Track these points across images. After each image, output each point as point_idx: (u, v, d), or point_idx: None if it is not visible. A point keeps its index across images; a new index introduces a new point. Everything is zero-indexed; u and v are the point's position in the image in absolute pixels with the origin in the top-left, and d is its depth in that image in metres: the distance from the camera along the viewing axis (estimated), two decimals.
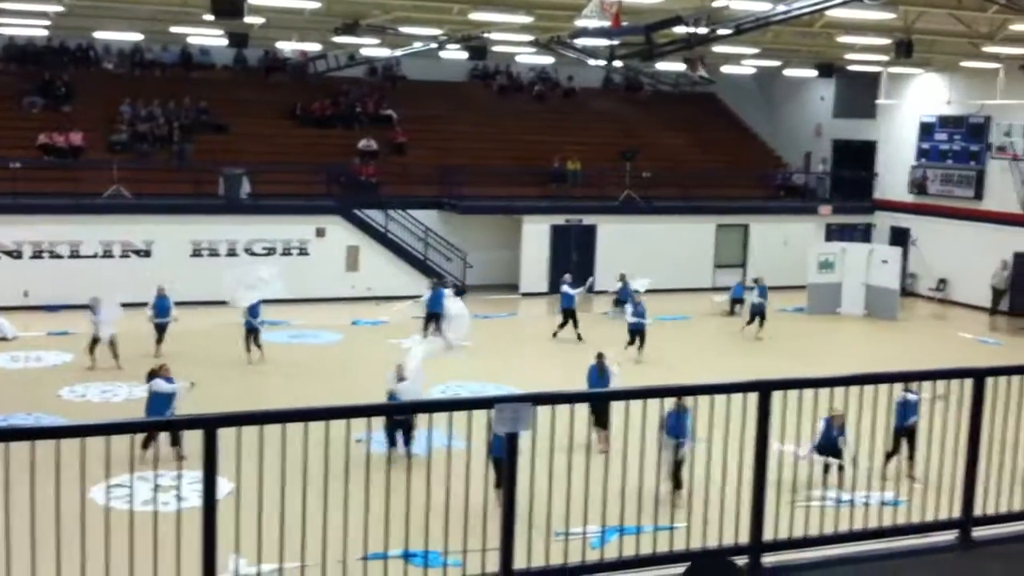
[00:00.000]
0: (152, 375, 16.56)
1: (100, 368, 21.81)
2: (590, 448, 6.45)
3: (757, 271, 34.62)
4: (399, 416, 14.22)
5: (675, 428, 12.53)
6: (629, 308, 23.95)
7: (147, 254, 29.31)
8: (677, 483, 13.06)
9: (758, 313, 26.94)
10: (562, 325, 25.81)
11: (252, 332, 22.95)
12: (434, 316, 25.27)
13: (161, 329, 23.10)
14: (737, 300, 30.42)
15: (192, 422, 5.60)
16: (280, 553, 5.94)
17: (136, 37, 31.57)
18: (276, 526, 5.91)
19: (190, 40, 32.06)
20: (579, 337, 25.03)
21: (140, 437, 12.66)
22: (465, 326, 23.79)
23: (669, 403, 11.35)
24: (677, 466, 13.11)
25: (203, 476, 5.43)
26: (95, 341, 22.05)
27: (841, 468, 14.54)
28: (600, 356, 17.98)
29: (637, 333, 23.54)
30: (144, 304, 23.61)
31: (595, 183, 34.22)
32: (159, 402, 16.14)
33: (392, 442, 14.50)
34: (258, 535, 5.91)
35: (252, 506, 5.86)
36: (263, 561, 6.19)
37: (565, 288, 26.22)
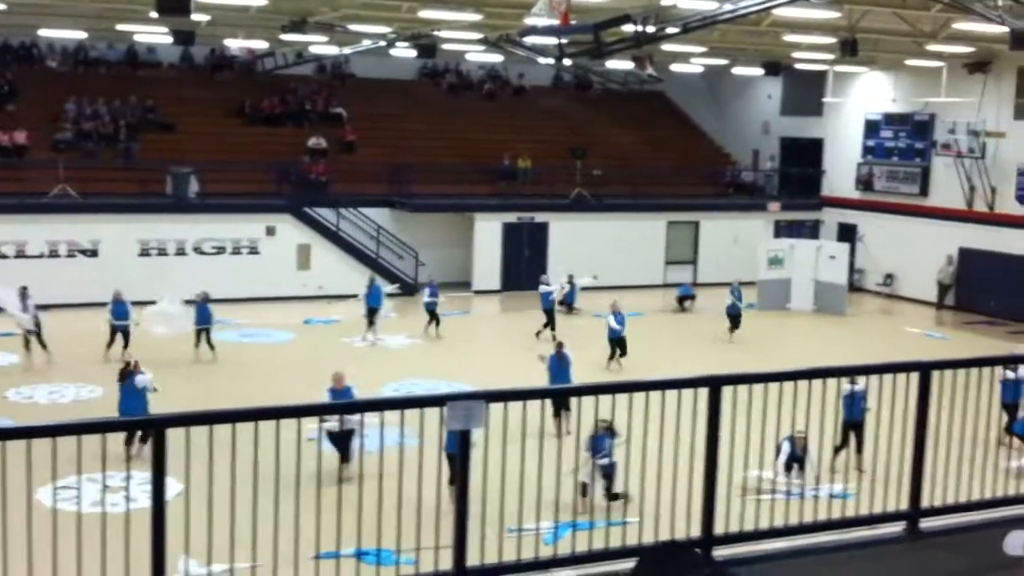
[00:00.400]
0: (127, 374, 16.27)
1: (42, 368, 21.51)
2: (543, 446, 6.46)
3: (708, 268, 35.03)
4: (334, 429, 13.03)
5: (597, 447, 12.59)
6: (612, 318, 23.01)
7: (94, 254, 28.95)
8: (613, 496, 12.90)
9: (734, 316, 26.82)
10: (546, 324, 25.81)
11: (203, 332, 22.76)
12: (372, 311, 25.64)
13: (123, 332, 22.61)
14: (685, 297, 30.58)
15: (140, 422, 5.54)
16: (231, 553, 5.89)
17: (80, 35, 31.20)
18: (226, 526, 5.87)
19: (136, 38, 31.71)
20: (553, 337, 25.00)
21: (94, 438, 12.50)
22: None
23: (625, 405, 11.42)
24: (608, 480, 13.09)
25: (152, 477, 5.38)
26: (25, 338, 21.81)
27: (802, 468, 14.54)
28: (560, 345, 18.42)
29: (617, 343, 22.96)
30: (94, 304, 23.31)
31: (546, 181, 34.29)
32: (137, 398, 15.85)
33: (343, 454, 13.39)
34: (208, 535, 5.86)
35: (202, 506, 5.81)
36: (213, 561, 6.14)
37: (543, 288, 26.31)
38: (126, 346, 22.22)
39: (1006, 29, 20.02)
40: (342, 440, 13.42)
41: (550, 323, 25.77)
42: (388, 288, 27.15)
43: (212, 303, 23.38)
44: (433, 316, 26.12)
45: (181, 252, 29.76)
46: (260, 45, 32.26)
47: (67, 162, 29.79)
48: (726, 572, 2.96)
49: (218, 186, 31.05)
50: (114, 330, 22.65)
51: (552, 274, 30.31)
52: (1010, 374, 16.38)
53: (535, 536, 6.69)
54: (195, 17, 22.41)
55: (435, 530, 6.19)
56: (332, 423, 12.55)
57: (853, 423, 15.76)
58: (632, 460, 6.41)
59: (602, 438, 12.15)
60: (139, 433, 13.72)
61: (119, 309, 22.87)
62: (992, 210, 31.13)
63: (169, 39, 27.93)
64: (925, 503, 7.09)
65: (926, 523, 7.09)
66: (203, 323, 22.82)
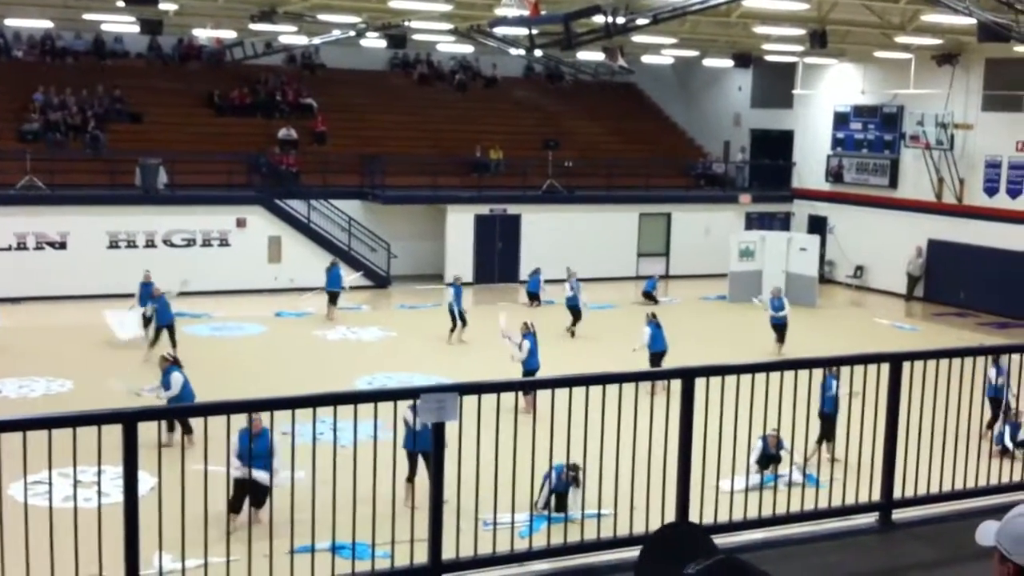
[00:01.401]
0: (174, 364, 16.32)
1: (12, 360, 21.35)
2: (517, 440, 6.45)
3: (680, 260, 35.12)
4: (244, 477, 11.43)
5: (557, 484, 12.62)
6: (568, 285, 25.40)
7: (63, 246, 28.69)
8: (564, 507, 12.85)
9: (779, 328, 24.50)
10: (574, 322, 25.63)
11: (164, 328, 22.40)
12: (333, 295, 26.39)
13: (169, 330, 22.08)
14: (648, 294, 30.32)
15: (110, 416, 5.50)
16: (205, 548, 5.86)
17: (47, 24, 30.87)
18: (200, 520, 5.83)
19: (104, 27, 31.42)
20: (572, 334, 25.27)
21: (66, 432, 12.40)
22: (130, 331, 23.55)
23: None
24: (559, 499, 13.08)
25: (124, 471, 5.34)
26: None
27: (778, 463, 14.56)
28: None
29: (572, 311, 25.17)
30: (63, 297, 23.13)
31: (518, 172, 34.27)
32: (188, 389, 15.86)
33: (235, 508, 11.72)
34: (182, 530, 5.83)
35: (176, 501, 5.77)
36: (188, 556, 6.10)
37: (570, 288, 26.07)
38: (173, 344, 21.78)
39: (974, 21, 20.15)
40: (253, 488, 11.65)
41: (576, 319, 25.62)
42: (352, 276, 27.71)
43: (183, 296, 23.22)
44: (460, 319, 24.54)
45: (151, 244, 29.55)
46: (229, 35, 32.02)
47: (34, 153, 29.50)
48: (736, 558, 2.95)
49: (188, 177, 30.83)
50: (159, 327, 22.10)
51: (529, 266, 30.34)
52: (992, 372, 16.16)
53: (510, 529, 6.70)
54: (163, 6, 22.28)
55: (410, 523, 6.17)
56: (240, 471, 11.20)
57: (824, 414, 15.77)
58: (607, 452, 6.41)
59: (559, 470, 12.14)
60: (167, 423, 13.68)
61: (158, 302, 22.35)
62: (961, 202, 31.38)
63: (137, 28, 27.70)
64: (897, 494, 7.15)
65: (898, 514, 7.14)
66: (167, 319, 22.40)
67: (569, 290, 25.88)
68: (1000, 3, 19.09)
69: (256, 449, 10.59)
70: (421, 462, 11.67)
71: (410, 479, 12.14)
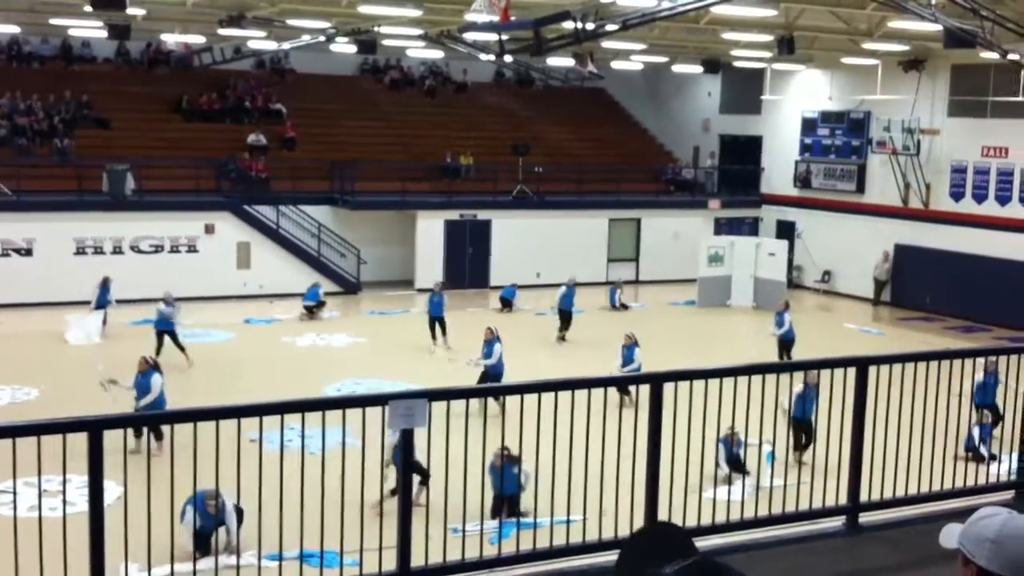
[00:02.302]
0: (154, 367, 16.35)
1: None
2: (486, 445, 6.45)
3: (649, 265, 35.21)
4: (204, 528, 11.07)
5: (507, 481, 12.51)
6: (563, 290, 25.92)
7: (28, 252, 28.43)
8: (518, 514, 12.72)
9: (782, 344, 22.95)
10: (563, 328, 25.74)
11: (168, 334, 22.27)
12: (309, 307, 27.33)
13: (171, 335, 22.02)
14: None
15: (75, 424, 5.45)
16: (171, 557, 5.82)
17: (13, 29, 30.63)
18: (167, 530, 5.79)
19: (71, 32, 31.21)
20: (562, 338, 25.43)
21: (30, 441, 12.29)
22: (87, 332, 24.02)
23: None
24: (511, 503, 12.99)
25: (89, 480, 5.29)
26: None
27: (747, 473, 14.56)
28: (489, 329, 19.23)
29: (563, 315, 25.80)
30: (29, 305, 22.92)
31: (488, 178, 34.27)
32: (162, 395, 15.91)
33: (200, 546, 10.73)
34: (148, 539, 5.78)
35: (142, 510, 5.73)
36: (154, 566, 6.06)
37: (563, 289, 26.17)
38: (182, 349, 21.81)
39: (940, 27, 20.34)
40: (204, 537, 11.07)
41: (565, 323, 25.75)
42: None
43: (151, 303, 23.09)
44: (439, 323, 24.49)
45: (118, 251, 29.33)
46: (197, 40, 31.86)
47: (0, 159, 29.23)
48: (714, 560, 2.96)
49: (156, 183, 30.64)
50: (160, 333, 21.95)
51: (500, 271, 30.37)
52: (979, 376, 16.06)
53: (479, 536, 6.69)
54: (131, 11, 22.12)
55: (379, 531, 6.16)
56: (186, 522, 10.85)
57: (804, 421, 15.75)
58: (576, 456, 6.42)
59: (508, 467, 12.10)
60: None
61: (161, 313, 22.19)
62: (927, 207, 31.64)
63: (104, 33, 27.52)
64: (864, 498, 7.20)
65: (865, 517, 7.19)
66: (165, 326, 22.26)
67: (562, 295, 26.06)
68: (966, 9, 19.29)
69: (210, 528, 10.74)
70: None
71: (394, 492, 12.23)
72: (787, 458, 14.58)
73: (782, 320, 22.70)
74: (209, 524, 10.70)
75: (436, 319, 24.37)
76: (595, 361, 20.49)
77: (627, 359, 19.85)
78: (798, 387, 15.38)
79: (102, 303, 24.92)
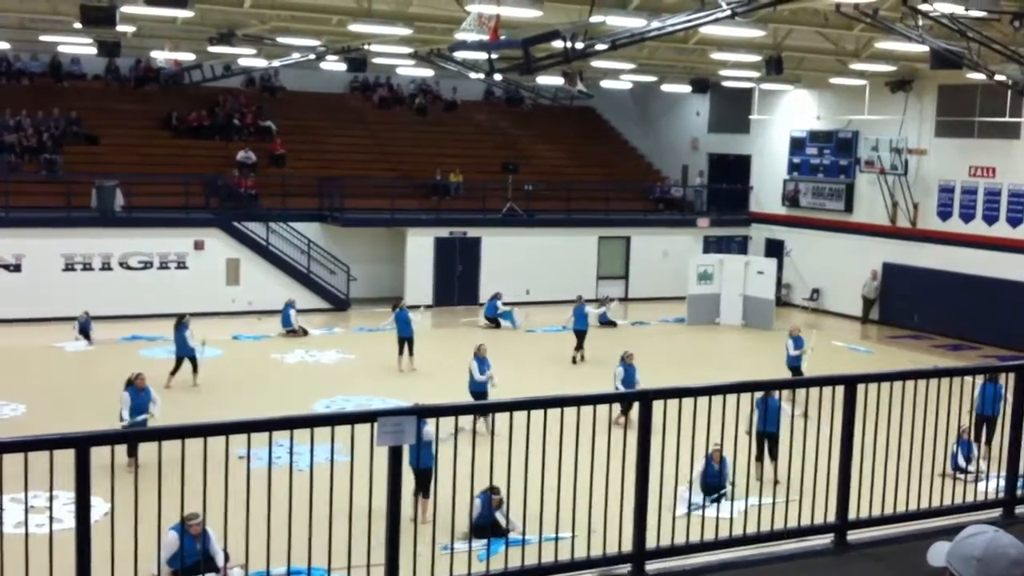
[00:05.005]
0: (128, 383, 16.34)
1: None
2: (475, 463, 6.44)
3: (639, 283, 35.25)
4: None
5: (481, 516, 12.47)
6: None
7: (17, 268, 28.36)
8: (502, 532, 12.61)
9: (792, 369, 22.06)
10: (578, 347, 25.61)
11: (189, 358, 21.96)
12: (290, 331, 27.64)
13: (191, 359, 21.77)
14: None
15: (63, 441, 5.43)
16: (158, 573, 5.79)
17: (3, 46, 30.61)
18: (154, 547, 5.77)
19: (60, 49, 31.20)
20: (581, 358, 25.29)
21: (17, 457, 12.25)
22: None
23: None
24: (495, 529, 12.88)
25: (76, 497, 5.27)
26: None
27: (724, 495, 14.54)
28: (478, 347, 19.27)
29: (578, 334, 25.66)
30: (17, 321, 22.84)
31: (477, 195, 34.32)
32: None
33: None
34: (135, 556, 5.76)
35: (128, 527, 5.70)
36: None
37: (582, 311, 26.10)
38: (195, 371, 21.68)
39: (927, 48, 20.46)
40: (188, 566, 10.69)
41: (582, 343, 25.64)
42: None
43: (140, 319, 23.04)
44: (407, 343, 24.07)
45: (107, 267, 29.28)
46: (187, 57, 31.86)
47: None
48: None
49: (145, 200, 30.61)
50: (179, 358, 21.67)
51: (486, 288, 30.40)
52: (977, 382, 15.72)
53: (468, 553, 6.68)
54: (120, 28, 22.09)
55: (367, 548, 6.14)
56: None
57: (768, 433, 15.74)
58: (565, 474, 6.42)
59: (485, 496, 12.16)
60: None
61: (180, 338, 21.76)
62: (915, 226, 31.77)
63: (94, 50, 27.52)
64: (852, 515, 7.20)
65: (853, 535, 7.19)
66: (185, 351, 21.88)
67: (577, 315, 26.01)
68: (953, 31, 19.40)
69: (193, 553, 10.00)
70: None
71: (416, 493, 12.63)
72: (748, 473, 14.54)
73: (801, 342, 22.45)
74: (191, 547, 10.08)
75: (404, 338, 23.82)
76: (583, 379, 20.49)
77: (628, 379, 19.62)
78: (759, 394, 15.20)
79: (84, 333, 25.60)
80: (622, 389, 18.99)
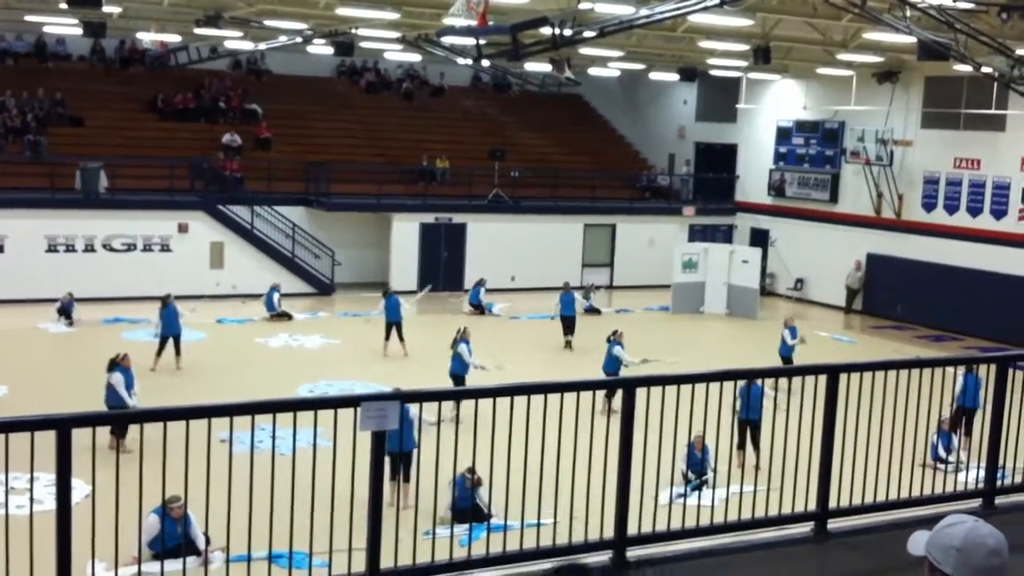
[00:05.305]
0: (113, 364, 16.29)
1: None
2: (458, 448, 6.44)
3: (624, 271, 35.29)
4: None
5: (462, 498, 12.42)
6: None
7: (0, 249, 28.21)
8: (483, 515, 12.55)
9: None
10: (566, 333, 25.62)
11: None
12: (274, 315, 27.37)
13: (175, 339, 21.65)
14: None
15: (44, 422, 5.41)
16: (139, 556, 5.79)
17: None
18: (135, 529, 5.76)
19: (46, 29, 30.99)
20: (569, 344, 25.33)
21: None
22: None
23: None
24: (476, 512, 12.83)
25: (57, 478, 5.26)
26: None
27: (705, 483, 14.58)
28: (459, 330, 19.33)
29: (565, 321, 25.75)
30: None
31: (464, 182, 34.27)
32: (112, 392, 15.95)
33: None
34: (116, 539, 5.75)
35: (109, 509, 5.69)
36: (121, 565, 6.02)
37: (568, 297, 26.12)
38: (177, 352, 21.58)
39: (914, 40, 20.49)
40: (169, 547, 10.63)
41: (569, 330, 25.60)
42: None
43: (123, 301, 22.97)
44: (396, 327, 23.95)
45: (90, 249, 29.15)
46: (173, 39, 31.67)
47: None
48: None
49: (129, 182, 30.46)
50: (164, 339, 21.54)
51: (471, 274, 30.41)
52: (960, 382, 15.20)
53: (450, 538, 6.68)
54: (106, 9, 21.99)
55: (348, 532, 6.14)
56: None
57: (749, 421, 15.81)
58: (547, 460, 6.43)
59: (472, 490, 12.06)
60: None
61: (167, 315, 21.60)
62: (899, 217, 31.87)
63: (79, 31, 27.36)
64: (833, 504, 7.24)
65: (834, 524, 7.23)
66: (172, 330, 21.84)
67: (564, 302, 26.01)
68: (940, 22, 19.44)
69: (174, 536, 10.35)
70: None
71: (392, 478, 12.36)
72: (730, 461, 14.62)
73: (796, 333, 22.49)
74: (172, 530, 10.31)
75: (393, 323, 23.80)
76: (573, 366, 20.51)
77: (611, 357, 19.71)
78: (742, 382, 15.20)
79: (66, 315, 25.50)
80: (613, 371, 19.17)
